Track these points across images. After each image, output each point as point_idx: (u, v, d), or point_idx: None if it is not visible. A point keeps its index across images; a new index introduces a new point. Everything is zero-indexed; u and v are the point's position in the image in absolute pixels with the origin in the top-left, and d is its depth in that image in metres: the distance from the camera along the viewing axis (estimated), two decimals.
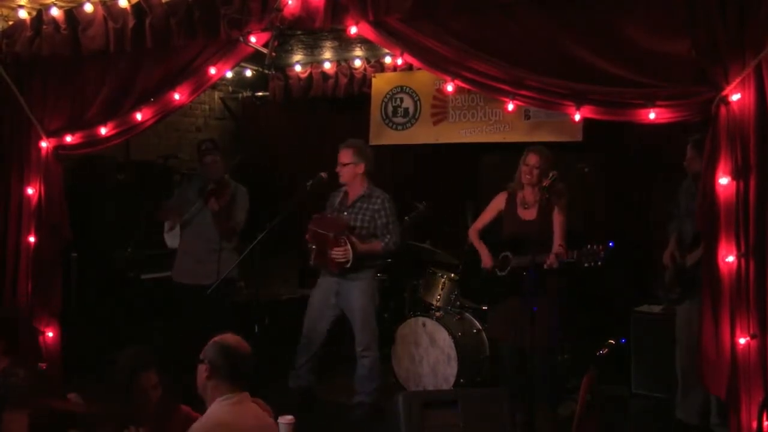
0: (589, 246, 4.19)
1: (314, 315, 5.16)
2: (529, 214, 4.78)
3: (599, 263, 4.13)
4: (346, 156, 5.07)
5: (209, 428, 2.83)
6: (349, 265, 4.87)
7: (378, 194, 5.08)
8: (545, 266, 4.35)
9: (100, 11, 4.60)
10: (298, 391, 5.17)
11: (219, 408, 2.89)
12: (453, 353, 5.26)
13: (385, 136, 6.71)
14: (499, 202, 4.97)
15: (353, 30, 4.05)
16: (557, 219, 4.65)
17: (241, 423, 2.87)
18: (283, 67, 7.08)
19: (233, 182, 5.55)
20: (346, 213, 5.07)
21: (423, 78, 6.43)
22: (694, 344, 4.37)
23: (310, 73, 6.98)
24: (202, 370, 2.96)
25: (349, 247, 4.84)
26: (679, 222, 4.69)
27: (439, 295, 5.71)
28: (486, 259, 4.90)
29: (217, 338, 3.03)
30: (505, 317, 4.75)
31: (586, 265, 4.18)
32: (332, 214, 5.13)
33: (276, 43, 4.31)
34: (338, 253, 4.85)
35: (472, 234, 5.06)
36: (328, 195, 5.30)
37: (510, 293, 4.67)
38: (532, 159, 4.74)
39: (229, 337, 3.04)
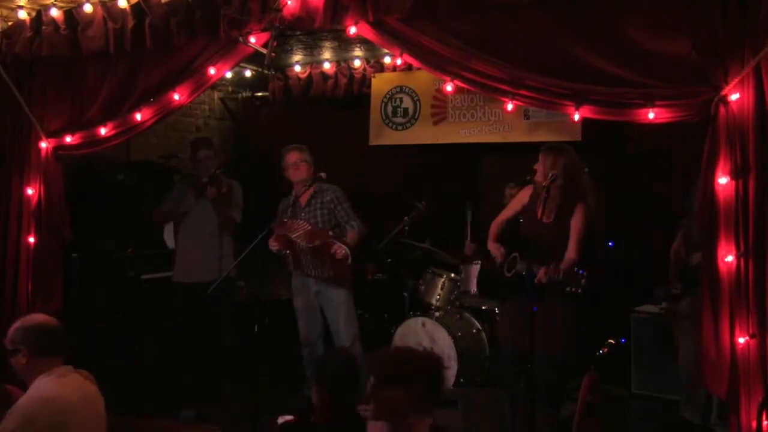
0: (575, 269, 4.02)
1: (305, 318, 5.16)
2: (547, 216, 4.43)
3: (579, 290, 3.98)
4: (298, 156, 5.09)
5: (34, 404, 2.82)
6: (350, 260, 4.83)
7: (326, 187, 5.09)
8: (536, 280, 4.08)
9: (100, 11, 4.60)
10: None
11: (42, 384, 2.90)
12: (453, 353, 5.25)
13: (385, 136, 6.72)
14: (523, 197, 4.63)
15: (353, 30, 4.05)
16: (574, 224, 4.34)
17: (66, 395, 2.88)
18: (282, 68, 7.10)
19: (226, 179, 5.55)
20: (303, 214, 5.03)
21: (422, 78, 6.45)
22: (696, 342, 4.40)
23: (310, 74, 6.99)
24: (19, 358, 2.94)
25: (341, 243, 4.83)
26: (689, 219, 4.61)
27: (439, 295, 5.70)
28: (496, 253, 4.58)
29: (18, 323, 3.00)
30: (509, 319, 4.63)
31: (567, 289, 4.02)
32: (291, 220, 5.00)
33: (275, 44, 4.31)
34: (339, 251, 4.81)
35: (493, 227, 4.69)
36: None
37: (515, 295, 4.41)
38: (548, 161, 4.35)
39: (34, 317, 3.04)
